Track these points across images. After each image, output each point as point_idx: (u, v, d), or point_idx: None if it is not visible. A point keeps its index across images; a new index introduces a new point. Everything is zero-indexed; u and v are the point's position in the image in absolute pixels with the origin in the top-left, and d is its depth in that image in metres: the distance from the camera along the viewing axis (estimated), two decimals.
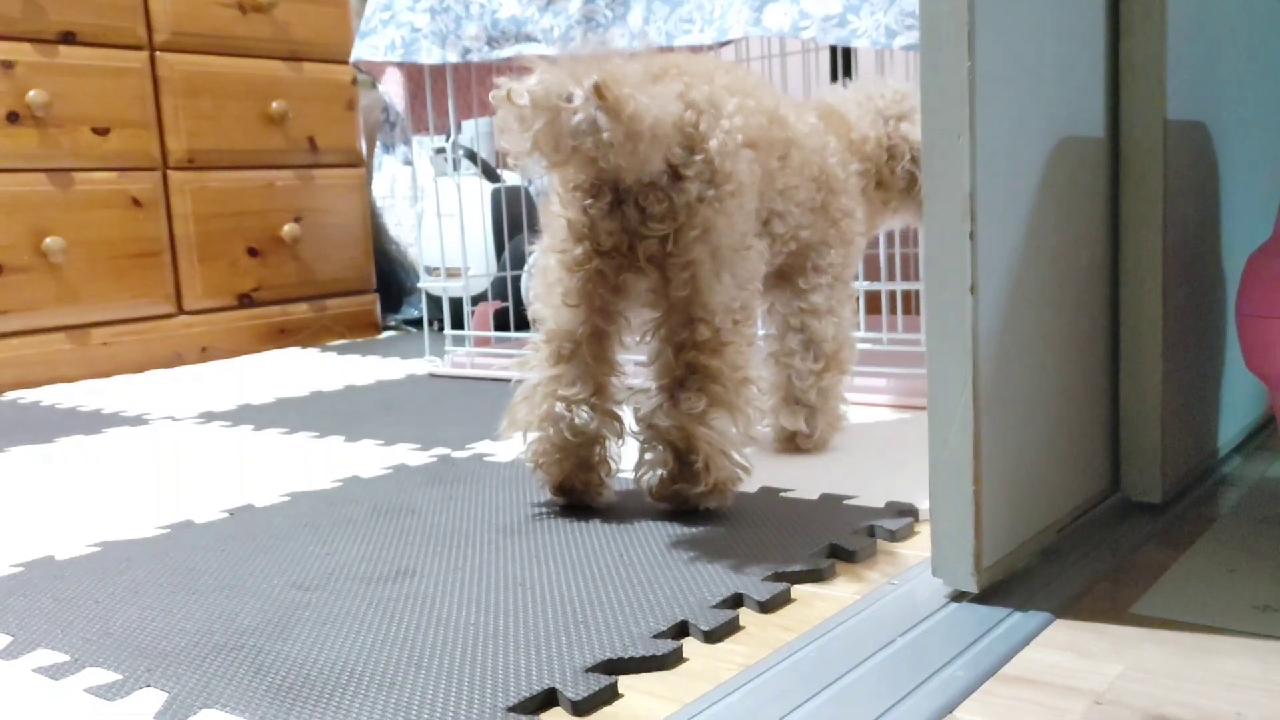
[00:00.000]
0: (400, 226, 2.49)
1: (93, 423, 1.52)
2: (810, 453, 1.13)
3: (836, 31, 1.29)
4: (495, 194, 2.33)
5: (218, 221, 2.16)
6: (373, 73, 1.76)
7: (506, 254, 2.29)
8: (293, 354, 2.18)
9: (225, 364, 2.09)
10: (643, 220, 0.88)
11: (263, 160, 2.25)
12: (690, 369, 0.89)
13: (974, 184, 0.68)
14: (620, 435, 0.97)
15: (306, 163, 2.32)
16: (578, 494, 0.97)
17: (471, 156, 2.38)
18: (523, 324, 2.21)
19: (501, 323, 2.01)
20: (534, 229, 2.48)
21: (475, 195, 2.30)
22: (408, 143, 2.47)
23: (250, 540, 0.92)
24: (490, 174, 2.38)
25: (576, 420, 0.92)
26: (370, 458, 1.21)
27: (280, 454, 1.25)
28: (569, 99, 0.79)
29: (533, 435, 0.95)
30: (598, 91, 0.79)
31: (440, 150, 2.33)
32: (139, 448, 1.33)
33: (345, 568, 0.84)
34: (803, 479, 1.02)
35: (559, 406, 0.93)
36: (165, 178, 2.09)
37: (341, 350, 2.19)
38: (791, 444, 1.13)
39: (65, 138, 1.95)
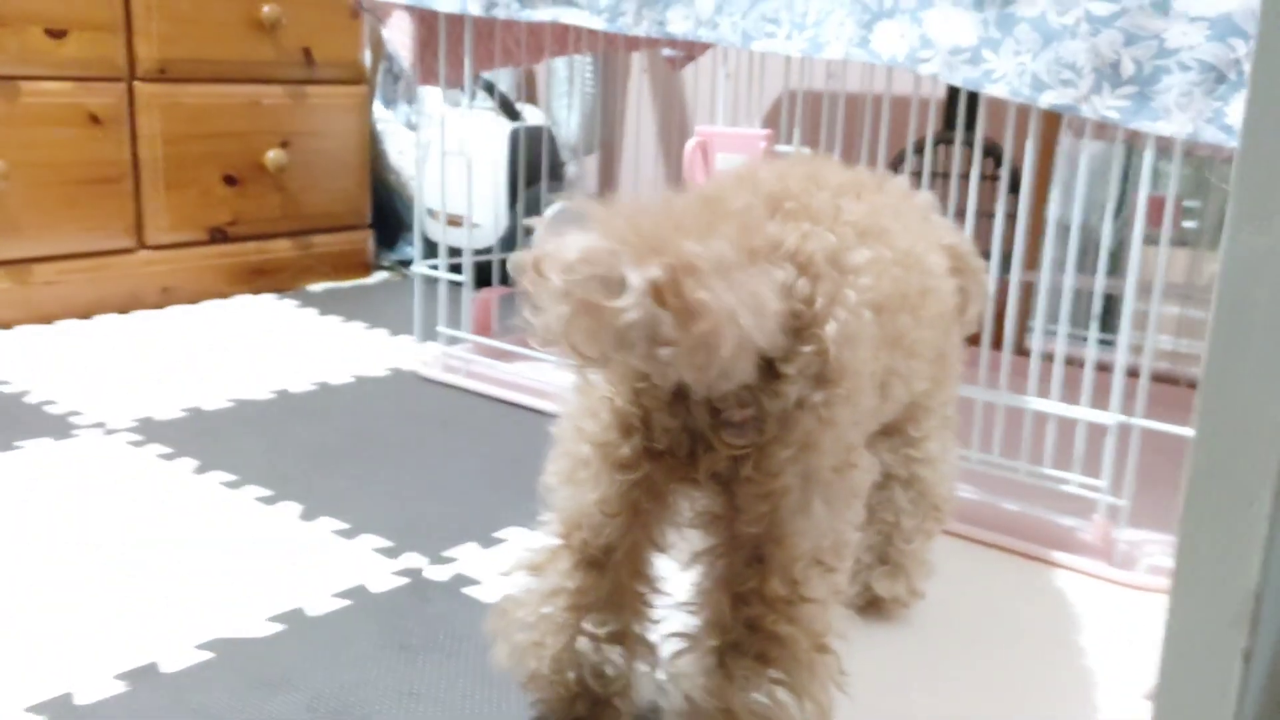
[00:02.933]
0: (403, 155, 2.19)
1: (8, 421, 1.28)
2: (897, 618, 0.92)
3: (966, 70, 1.00)
4: (514, 134, 2.03)
5: (191, 144, 1.87)
6: (378, 13, 1.46)
7: (520, 205, 2.02)
8: (267, 304, 1.92)
9: (186, 310, 1.83)
10: (714, 426, 0.62)
11: (248, 73, 1.94)
12: (751, 629, 0.64)
13: None
14: (655, 666, 0.73)
15: (299, 77, 2.01)
16: None
17: (489, 89, 2.07)
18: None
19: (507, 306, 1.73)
20: (555, 177, 2.18)
21: (491, 134, 2.01)
22: (411, 100, 2.15)
23: None
24: (509, 110, 2.08)
25: (608, 670, 0.68)
26: (323, 563, 0.97)
27: (216, 534, 1.01)
28: (618, 291, 0.52)
29: (534, 667, 0.71)
30: (656, 292, 0.52)
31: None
32: (50, 488, 1.09)
33: None
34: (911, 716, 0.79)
35: (583, 643, 0.68)
36: (131, 90, 1.79)
37: (323, 307, 1.93)
38: (874, 609, 0.91)
39: (12, 39, 1.64)
